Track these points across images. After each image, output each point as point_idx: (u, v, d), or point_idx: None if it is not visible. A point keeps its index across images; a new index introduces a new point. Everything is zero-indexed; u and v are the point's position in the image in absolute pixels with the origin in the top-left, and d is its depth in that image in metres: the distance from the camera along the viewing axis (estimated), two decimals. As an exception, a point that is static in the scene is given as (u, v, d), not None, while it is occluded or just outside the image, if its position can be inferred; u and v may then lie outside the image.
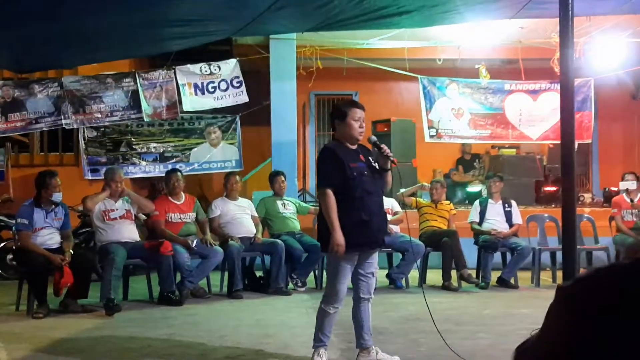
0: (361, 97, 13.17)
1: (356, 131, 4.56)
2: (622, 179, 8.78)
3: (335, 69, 11.28)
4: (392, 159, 4.53)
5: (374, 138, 4.62)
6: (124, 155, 10.14)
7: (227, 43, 10.65)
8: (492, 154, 12.08)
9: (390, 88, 12.94)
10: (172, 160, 10.16)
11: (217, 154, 10.46)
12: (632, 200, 8.53)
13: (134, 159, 10.16)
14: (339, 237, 4.34)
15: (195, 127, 10.41)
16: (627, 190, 8.57)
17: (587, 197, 11.85)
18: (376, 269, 4.72)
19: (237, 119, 10.38)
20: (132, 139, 10.16)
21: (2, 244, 8.72)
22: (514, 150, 11.87)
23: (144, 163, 10.19)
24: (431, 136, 10.27)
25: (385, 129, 11.14)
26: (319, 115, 13.45)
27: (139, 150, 10.17)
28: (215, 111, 10.07)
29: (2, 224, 8.77)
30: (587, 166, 13.04)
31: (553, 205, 10.67)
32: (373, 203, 4.52)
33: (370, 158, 4.64)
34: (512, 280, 8.09)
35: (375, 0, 7.15)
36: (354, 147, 4.62)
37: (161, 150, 10.25)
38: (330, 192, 4.45)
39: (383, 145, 4.54)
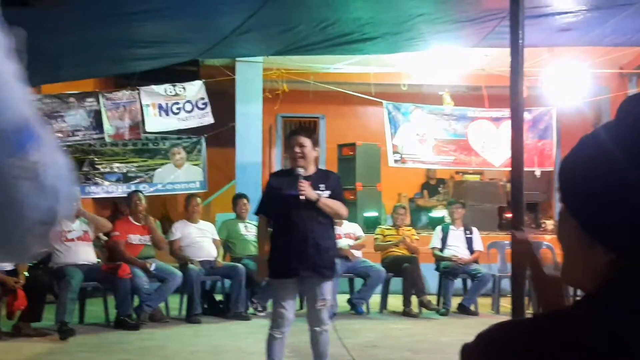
0: (328, 121, 13.26)
1: (291, 157, 4.65)
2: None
3: (302, 92, 11.32)
4: (302, 196, 4.46)
5: (297, 171, 4.57)
6: (87, 174, 10.00)
7: (194, 64, 10.63)
8: (456, 180, 12.17)
9: (356, 112, 13.00)
10: (136, 181, 10.05)
11: (182, 175, 10.38)
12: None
13: (96, 178, 10.02)
14: (259, 263, 4.47)
15: (159, 148, 10.33)
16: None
17: (549, 223, 11.97)
18: (326, 301, 4.62)
19: (203, 140, 10.33)
20: (95, 159, 10.04)
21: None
22: (478, 176, 11.98)
23: (106, 183, 10.06)
24: (395, 161, 10.32)
25: (351, 153, 11.18)
26: (286, 137, 13.46)
27: (102, 170, 10.05)
28: (180, 132, 10.01)
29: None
30: (550, 193, 13.18)
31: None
32: (304, 231, 4.48)
33: (320, 185, 4.62)
34: (472, 307, 8.11)
35: (339, 26, 7.21)
36: (308, 172, 4.63)
37: (124, 171, 10.13)
38: (260, 219, 4.76)
39: (300, 182, 4.49)
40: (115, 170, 10.08)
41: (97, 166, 10.02)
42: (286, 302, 4.53)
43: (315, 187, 4.57)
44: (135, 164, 10.26)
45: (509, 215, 11.68)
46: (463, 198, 11.71)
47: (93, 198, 10.12)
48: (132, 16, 6.78)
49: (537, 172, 11.00)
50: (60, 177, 1.04)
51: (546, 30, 7.72)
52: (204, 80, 9.64)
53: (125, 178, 10.10)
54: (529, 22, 7.75)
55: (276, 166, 13.23)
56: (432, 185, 12.73)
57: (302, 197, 4.45)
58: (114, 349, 6.05)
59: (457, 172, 12.12)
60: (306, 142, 4.60)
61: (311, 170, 4.65)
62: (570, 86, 10.08)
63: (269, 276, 4.65)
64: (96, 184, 9.96)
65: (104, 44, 7.60)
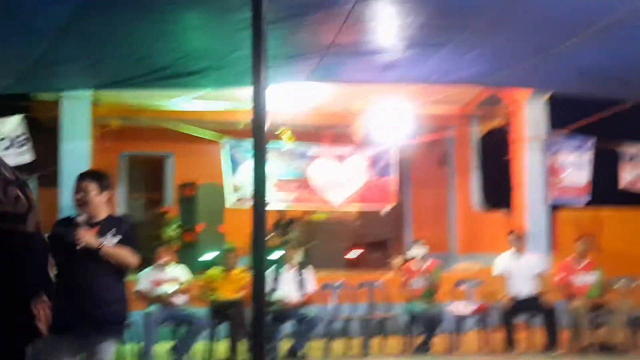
0: (177, 159, 12.75)
1: (74, 203, 4.27)
2: (410, 248, 8.86)
3: (149, 130, 10.86)
4: (79, 244, 4.07)
5: (76, 219, 4.17)
6: None
7: (23, 98, 9.97)
8: (303, 219, 11.95)
9: (205, 150, 12.54)
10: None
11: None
12: (420, 267, 8.56)
13: None
14: None
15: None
16: (415, 258, 8.61)
17: (397, 261, 11.93)
18: None
19: (34, 179, 9.62)
20: None
21: None
22: (326, 214, 11.82)
23: None
24: (236, 200, 9.98)
25: (192, 193, 10.76)
26: (133, 177, 12.85)
27: None
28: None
29: None
30: (399, 230, 13.21)
31: (360, 271, 10.65)
32: (84, 282, 4.09)
33: (109, 232, 4.22)
34: (299, 352, 7.80)
35: (153, 59, 6.84)
36: (97, 219, 4.22)
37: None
38: None
39: (79, 230, 4.10)
40: None
41: None
42: None
43: (104, 234, 4.16)
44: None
45: (349, 254, 11.65)
46: (312, 237, 11.53)
47: None
48: None
49: (383, 211, 10.95)
50: None
51: (370, 68, 7.66)
52: (24, 114, 8.98)
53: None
54: (352, 59, 7.71)
55: (121, 208, 12.58)
56: (282, 224, 12.46)
57: (79, 246, 4.04)
58: None
59: (306, 211, 11.91)
60: (90, 186, 4.21)
61: (101, 216, 4.25)
62: (410, 124, 10.10)
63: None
64: None
65: None
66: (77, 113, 9.34)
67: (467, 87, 9.62)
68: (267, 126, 3.25)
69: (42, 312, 0.75)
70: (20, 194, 0.73)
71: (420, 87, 9.05)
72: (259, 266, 3.12)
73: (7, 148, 8.69)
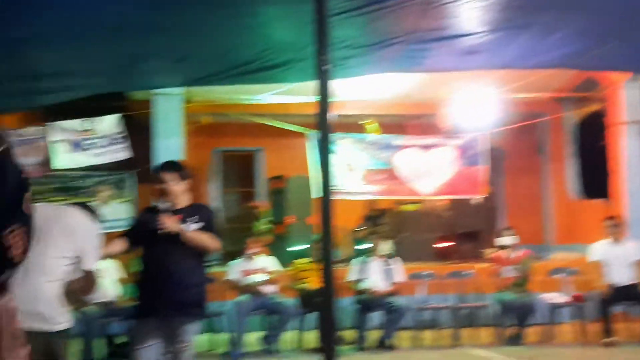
0: (267, 154, 12.97)
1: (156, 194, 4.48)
2: (501, 234, 8.65)
3: (239, 125, 11.10)
4: (161, 229, 4.26)
5: (159, 205, 4.35)
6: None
7: (119, 98, 10.39)
8: (394, 210, 11.90)
9: (293, 144, 12.70)
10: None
11: (107, 213, 10.04)
12: (511, 256, 8.36)
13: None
14: None
15: (82, 185, 10.01)
16: (505, 246, 8.41)
17: (489, 252, 11.69)
18: (186, 343, 4.28)
19: (132, 176, 10.04)
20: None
21: None
22: (416, 205, 11.72)
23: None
24: (322, 193, 10.04)
25: (282, 186, 10.92)
26: (226, 172, 13.16)
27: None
28: (108, 168, 9.72)
29: None
30: (492, 220, 12.92)
31: (451, 262, 10.50)
32: (167, 267, 4.27)
33: (190, 219, 4.39)
34: (387, 342, 7.78)
35: (236, 54, 6.97)
36: (178, 206, 4.39)
37: (46, 209, 9.78)
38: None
39: (162, 216, 4.28)
40: (37, 208, 9.72)
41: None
42: (147, 345, 4.25)
43: (186, 221, 4.34)
44: (57, 203, 9.92)
45: (440, 245, 11.47)
46: (403, 228, 11.47)
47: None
48: (25, 44, 6.55)
49: (474, 200, 10.77)
50: None
51: (451, 54, 7.51)
52: (121, 114, 9.36)
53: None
54: (433, 45, 7.60)
55: (216, 203, 12.91)
56: (373, 216, 12.46)
57: (163, 231, 4.23)
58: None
59: (396, 202, 11.86)
60: (167, 177, 4.43)
61: (183, 204, 4.43)
62: (500, 111, 9.87)
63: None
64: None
65: (7, 77, 7.34)
66: (170, 110, 9.63)
67: (558, 71, 9.30)
68: (332, 117, 3.27)
69: (16, 240, 0.80)
70: None
71: (508, 72, 8.84)
72: (327, 256, 3.14)
73: (105, 146, 9.08)
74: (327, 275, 3.11)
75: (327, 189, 3.22)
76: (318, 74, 3.30)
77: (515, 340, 7.97)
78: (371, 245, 9.14)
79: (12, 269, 0.83)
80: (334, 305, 3.13)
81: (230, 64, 7.22)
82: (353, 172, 10.04)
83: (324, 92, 3.28)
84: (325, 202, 3.21)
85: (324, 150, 3.28)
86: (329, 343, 3.07)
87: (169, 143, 9.62)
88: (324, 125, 3.25)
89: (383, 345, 7.77)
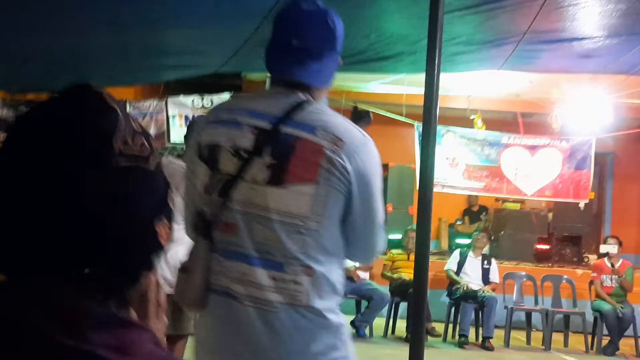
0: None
1: None
2: (604, 242, 8.47)
3: (337, 110, 11.24)
4: None
5: None
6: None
7: (236, 77, 10.78)
8: (496, 208, 11.80)
9: (392, 133, 12.78)
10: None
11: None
12: (612, 265, 8.19)
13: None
14: None
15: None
16: (608, 255, 8.24)
17: (592, 258, 11.43)
18: None
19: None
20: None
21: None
22: (519, 204, 11.58)
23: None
24: (425, 184, 10.10)
25: (384, 174, 11.01)
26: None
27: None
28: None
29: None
30: (596, 226, 12.60)
31: (549, 265, 10.37)
32: None
33: None
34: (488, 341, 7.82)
35: (349, 43, 7.13)
36: None
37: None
38: None
39: None
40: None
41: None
42: None
43: None
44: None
45: (540, 246, 11.28)
46: (503, 226, 11.37)
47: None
48: (157, 23, 6.94)
49: (581, 204, 10.55)
50: None
51: (568, 57, 7.41)
52: (233, 92, 9.72)
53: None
54: (549, 47, 7.53)
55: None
56: (473, 212, 12.40)
57: None
58: None
59: (497, 200, 11.76)
60: None
61: None
62: (612, 116, 9.62)
63: None
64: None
65: (136, 51, 7.78)
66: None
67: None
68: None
69: (164, 230, 0.93)
70: (145, 142, 0.90)
71: (624, 77, 8.60)
72: (422, 246, 3.25)
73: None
74: (421, 266, 3.22)
75: (428, 180, 3.32)
76: (428, 67, 3.37)
77: (610, 350, 7.83)
78: (470, 240, 9.16)
79: (161, 254, 0.98)
80: (425, 296, 3.24)
81: (343, 52, 7.44)
82: (456, 166, 10.05)
83: (431, 85, 3.36)
84: (424, 193, 3.31)
85: (427, 141, 3.39)
86: (417, 333, 3.18)
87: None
88: (429, 116, 3.34)
89: (484, 344, 7.77)
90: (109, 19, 6.82)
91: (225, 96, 9.59)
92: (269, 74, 2.20)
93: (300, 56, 1.98)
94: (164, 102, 9.34)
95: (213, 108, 2.14)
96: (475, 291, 7.97)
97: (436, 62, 3.36)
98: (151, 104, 9.30)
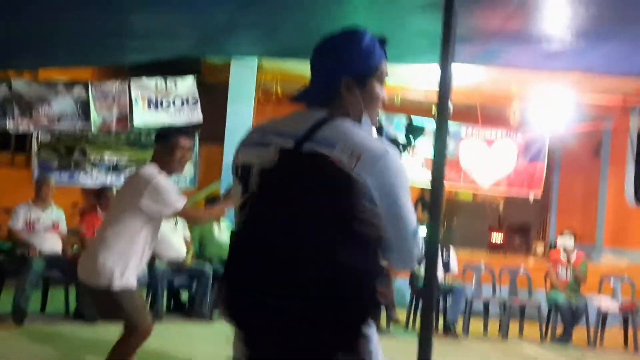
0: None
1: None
2: (561, 234, 8.76)
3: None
4: None
5: None
6: (77, 162, 10.00)
7: (194, 59, 10.65)
8: (448, 197, 12.05)
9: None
10: (126, 172, 10.03)
11: (171, 171, 10.37)
12: (568, 258, 8.49)
13: (86, 167, 10.03)
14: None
15: (150, 141, 10.30)
16: (564, 247, 8.54)
17: (539, 246, 11.84)
18: None
19: (196, 136, 10.32)
20: (86, 147, 10.04)
21: None
22: (470, 195, 11.86)
23: (96, 172, 10.06)
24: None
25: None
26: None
27: (93, 159, 10.05)
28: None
29: None
30: (544, 216, 13.02)
31: (503, 253, 10.68)
32: None
33: None
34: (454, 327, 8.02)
35: (324, 30, 7.15)
36: None
37: (115, 161, 10.13)
38: None
39: None
40: (106, 160, 10.07)
41: (88, 155, 10.02)
42: None
43: None
44: (126, 155, 10.24)
45: (493, 239, 11.63)
46: (455, 216, 11.64)
47: (81, 187, 10.13)
48: (123, 5, 6.81)
49: (531, 197, 10.86)
50: None
51: (536, 55, 7.62)
52: (195, 75, 9.62)
53: (115, 168, 10.10)
54: (518, 45, 7.69)
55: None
56: (426, 201, 12.61)
57: None
58: (65, 341, 6.05)
59: (450, 191, 11.99)
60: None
61: None
62: (567, 112, 9.92)
63: None
64: (85, 172, 9.97)
65: (104, 32, 7.62)
66: (245, 77, 9.85)
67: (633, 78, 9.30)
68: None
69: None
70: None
71: (584, 76, 8.88)
72: (433, 244, 3.30)
73: (181, 106, 9.37)
74: (431, 263, 3.28)
75: (439, 175, 3.34)
76: (442, 60, 3.34)
77: (563, 339, 8.14)
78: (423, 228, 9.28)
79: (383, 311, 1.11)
80: (434, 292, 3.30)
81: (317, 39, 7.45)
82: (414, 157, 10.18)
83: (446, 79, 3.37)
84: (436, 188, 3.39)
85: (441, 136, 3.43)
86: (427, 330, 3.24)
87: (241, 108, 9.87)
88: (443, 111, 3.35)
89: (449, 330, 7.95)
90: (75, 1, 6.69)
91: (188, 80, 9.48)
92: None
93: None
94: (126, 84, 9.16)
95: (249, 131, 2.21)
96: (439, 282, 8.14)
97: (449, 55, 3.37)
98: (114, 86, 9.11)
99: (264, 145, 2.01)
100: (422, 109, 10.95)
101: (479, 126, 10.43)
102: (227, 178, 9.70)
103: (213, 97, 9.93)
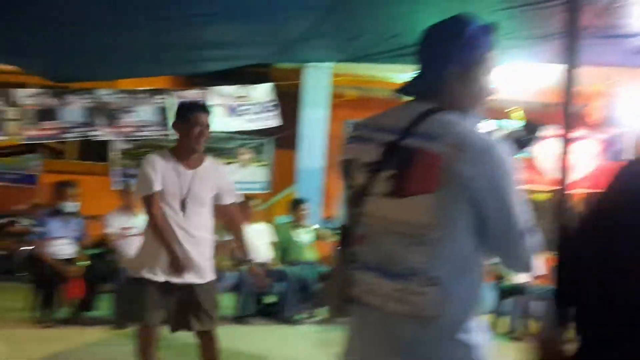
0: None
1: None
2: None
3: (371, 100, 11.25)
4: None
5: None
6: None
7: (265, 66, 10.76)
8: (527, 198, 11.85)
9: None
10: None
11: (246, 175, 10.53)
12: None
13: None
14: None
15: (226, 147, 10.50)
16: None
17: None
18: None
19: (271, 141, 10.46)
20: (165, 154, 10.22)
21: (22, 248, 8.85)
22: (547, 195, 11.64)
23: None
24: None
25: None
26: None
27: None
28: (247, 132, 10.14)
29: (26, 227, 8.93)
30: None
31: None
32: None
33: None
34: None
35: (403, 38, 7.15)
36: None
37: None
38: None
39: None
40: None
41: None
42: None
43: None
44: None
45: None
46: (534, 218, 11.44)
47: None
48: (199, 18, 6.93)
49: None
50: None
51: (620, 52, 7.42)
52: (274, 82, 9.72)
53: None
54: (602, 42, 7.52)
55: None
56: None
57: None
58: (160, 344, 6.17)
59: (528, 191, 11.80)
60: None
61: None
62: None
63: None
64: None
65: (176, 45, 7.77)
66: (318, 82, 9.92)
67: None
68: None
69: None
70: None
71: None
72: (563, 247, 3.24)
73: (258, 112, 9.48)
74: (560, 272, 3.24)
75: (564, 179, 3.34)
76: (567, 62, 3.34)
77: None
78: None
79: None
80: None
81: (394, 45, 7.42)
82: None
83: (570, 81, 3.36)
84: (562, 195, 3.36)
85: (566, 138, 3.43)
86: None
87: (315, 113, 9.94)
88: (568, 112, 3.36)
89: (512, 334, 7.81)
90: (151, 16, 6.82)
91: (264, 86, 9.58)
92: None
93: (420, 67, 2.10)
94: (204, 92, 9.31)
95: (354, 126, 2.21)
96: (521, 286, 8.04)
97: (574, 55, 3.31)
98: (192, 94, 9.28)
99: (368, 141, 2.03)
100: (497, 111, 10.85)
101: (557, 125, 10.23)
102: (300, 182, 9.77)
103: (284, 102, 10.03)
